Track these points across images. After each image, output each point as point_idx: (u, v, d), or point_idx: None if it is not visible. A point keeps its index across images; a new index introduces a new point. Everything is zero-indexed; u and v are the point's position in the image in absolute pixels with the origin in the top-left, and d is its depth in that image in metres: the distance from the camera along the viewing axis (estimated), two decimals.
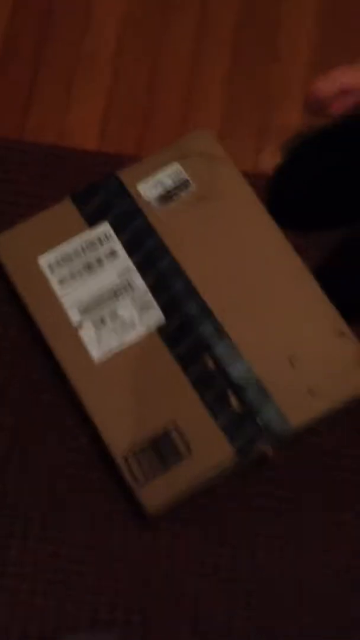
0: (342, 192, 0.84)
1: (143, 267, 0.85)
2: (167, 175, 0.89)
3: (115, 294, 0.85)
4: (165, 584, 0.82)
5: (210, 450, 0.77)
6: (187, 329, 0.82)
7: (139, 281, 0.85)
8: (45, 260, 0.86)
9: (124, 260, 0.86)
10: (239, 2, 1.09)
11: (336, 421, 0.85)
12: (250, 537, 0.84)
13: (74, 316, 0.84)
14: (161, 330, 0.82)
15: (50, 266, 0.86)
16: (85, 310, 0.84)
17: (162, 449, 0.78)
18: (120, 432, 0.80)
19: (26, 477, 0.86)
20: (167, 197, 0.88)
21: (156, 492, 0.77)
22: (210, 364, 0.80)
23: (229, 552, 0.83)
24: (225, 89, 1.05)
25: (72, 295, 0.85)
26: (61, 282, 0.85)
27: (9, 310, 0.90)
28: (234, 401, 0.80)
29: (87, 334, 0.83)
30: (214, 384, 0.80)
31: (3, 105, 1.04)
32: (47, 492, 0.85)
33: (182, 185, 0.88)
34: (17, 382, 0.89)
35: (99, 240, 0.87)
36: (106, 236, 0.87)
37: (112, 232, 0.87)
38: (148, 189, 0.88)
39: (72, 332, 0.83)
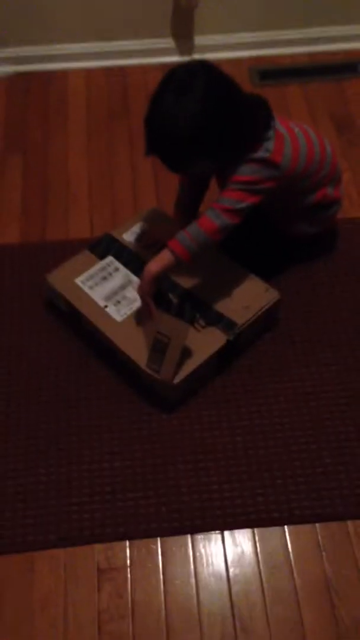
0: None
1: (135, 272, 1.49)
2: (137, 228, 1.58)
3: (122, 287, 1.48)
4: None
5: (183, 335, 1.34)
6: (164, 295, 1.44)
7: (134, 278, 1.49)
8: (79, 280, 1.49)
9: (123, 270, 1.51)
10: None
11: None
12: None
13: (101, 303, 1.45)
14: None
15: (82, 282, 1.49)
16: (107, 298, 1.46)
17: (158, 347, 1.34)
18: (140, 354, 1.37)
19: (87, 398, 1.39)
20: (138, 239, 1.56)
21: (166, 370, 1.33)
22: (186, 305, 1.42)
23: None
24: (155, 192, 1.80)
25: (98, 293, 1.47)
26: (90, 288, 1.48)
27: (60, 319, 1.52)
28: (202, 321, 1.40)
29: (111, 310, 1.44)
30: (187, 314, 1.41)
31: (31, 224, 1.73)
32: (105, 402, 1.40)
33: (144, 232, 1.57)
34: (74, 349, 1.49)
35: (107, 265, 1.52)
36: (111, 262, 1.52)
37: (114, 259, 1.53)
38: (128, 236, 1.57)
39: (102, 310, 1.44)
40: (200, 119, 1.21)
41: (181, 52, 2.16)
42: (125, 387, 1.42)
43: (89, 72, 2.13)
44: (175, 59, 2.15)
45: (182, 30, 2.12)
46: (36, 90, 2.09)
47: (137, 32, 2.11)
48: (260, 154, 1.30)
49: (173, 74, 1.25)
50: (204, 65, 1.26)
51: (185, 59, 2.16)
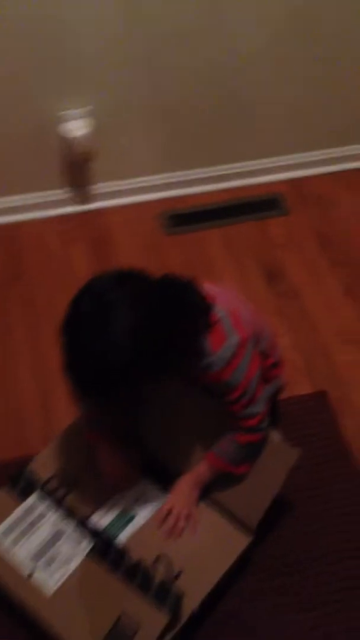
0: None
1: (69, 514, 1.15)
2: (62, 453, 1.23)
3: (53, 540, 1.12)
4: None
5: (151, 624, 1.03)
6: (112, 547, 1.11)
7: (67, 527, 1.14)
8: None
9: (51, 515, 1.15)
10: None
11: None
12: None
13: (26, 567, 1.09)
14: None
15: (3, 534, 1.12)
16: (34, 558, 1.10)
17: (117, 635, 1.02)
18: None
19: None
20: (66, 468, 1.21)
21: None
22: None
23: None
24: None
25: (23, 551, 1.11)
26: (13, 543, 1.11)
27: None
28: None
29: (39, 576, 1.08)
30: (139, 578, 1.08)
31: None
32: None
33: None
34: None
35: (30, 508, 1.16)
36: (34, 505, 1.16)
37: (37, 500, 1.17)
38: (51, 464, 1.21)
39: (26, 580, 1.08)
40: (134, 345, 0.92)
41: (81, 202, 1.92)
42: None
43: None
44: (74, 209, 1.92)
45: (78, 179, 1.89)
46: None
47: (29, 185, 1.86)
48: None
49: (78, 308, 0.95)
50: (120, 281, 0.96)
51: (85, 208, 1.93)
